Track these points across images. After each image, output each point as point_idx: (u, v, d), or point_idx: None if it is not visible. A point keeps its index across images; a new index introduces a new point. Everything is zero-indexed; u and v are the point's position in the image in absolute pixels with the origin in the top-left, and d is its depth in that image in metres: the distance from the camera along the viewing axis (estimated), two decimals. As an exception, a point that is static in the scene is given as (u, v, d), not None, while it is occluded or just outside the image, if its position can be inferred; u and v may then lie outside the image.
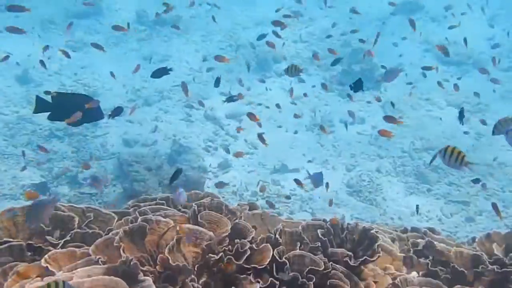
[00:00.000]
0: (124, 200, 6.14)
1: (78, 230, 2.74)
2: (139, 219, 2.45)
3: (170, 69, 4.00)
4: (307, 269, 2.32)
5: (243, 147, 8.06)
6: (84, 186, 6.76)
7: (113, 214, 2.99)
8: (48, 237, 2.70)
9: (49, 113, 2.96)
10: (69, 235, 2.69)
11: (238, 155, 6.11)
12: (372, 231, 2.66)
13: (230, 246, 2.42)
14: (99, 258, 2.33)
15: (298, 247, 2.56)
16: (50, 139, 7.92)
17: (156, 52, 10.65)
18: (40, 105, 2.96)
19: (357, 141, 8.46)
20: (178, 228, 2.40)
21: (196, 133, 8.15)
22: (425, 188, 7.51)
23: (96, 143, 7.80)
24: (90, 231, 2.82)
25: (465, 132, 8.15)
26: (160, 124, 8.46)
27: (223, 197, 6.68)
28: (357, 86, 3.56)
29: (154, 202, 3.22)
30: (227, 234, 2.47)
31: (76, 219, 2.82)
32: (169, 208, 3.07)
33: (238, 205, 3.07)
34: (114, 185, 6.71)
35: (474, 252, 2.88)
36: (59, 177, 7.00)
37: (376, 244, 2.58)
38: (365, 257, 2.50)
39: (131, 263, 2.16)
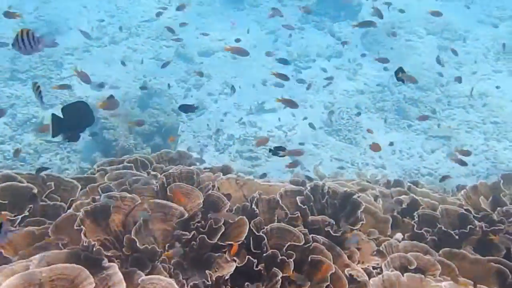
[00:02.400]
0: (93, 149, 5.88)
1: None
2: (102, 196, 2.23)
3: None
4: (287, 244, 2.15)
5: (218, 87, 7.73)
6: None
7: (75, 182, 2.76)
8: (4, 212, 2.48)
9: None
10: (27, 209, 2.47)
11: (261, 142, 4.70)
12: (354, 197, 2.48)
13: (203, 222, 2.22)
14: (60, 241, 2.14)
15: (276, 217, 2.38)
16: (13, 82, 7.50)
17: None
18: (57, 126, 2.32)
19: (335, 76, 8.16)
20: (145, 206, 2.18)
21: (168, 73, 7.73)
22: (406, 124, 7.32)
23: (62, 86, 7.38)
24: (51, 203, 2.61)
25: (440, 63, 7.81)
26: (129, 64, 8.00)
27: (198, 142, 6.46)
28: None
29: (122, 165, 2.99)
30: (199, 208, 2.26)
31: (35, 190, 2.59)
32: (137, 173, 2.84)
33: (211, 170, 2.84)
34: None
35: (461, 211, 2.75)
36: (23, 124, 6.66)
37: (359, 211, 2.41)
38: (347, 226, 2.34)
39: (94, 249, 1.96)
